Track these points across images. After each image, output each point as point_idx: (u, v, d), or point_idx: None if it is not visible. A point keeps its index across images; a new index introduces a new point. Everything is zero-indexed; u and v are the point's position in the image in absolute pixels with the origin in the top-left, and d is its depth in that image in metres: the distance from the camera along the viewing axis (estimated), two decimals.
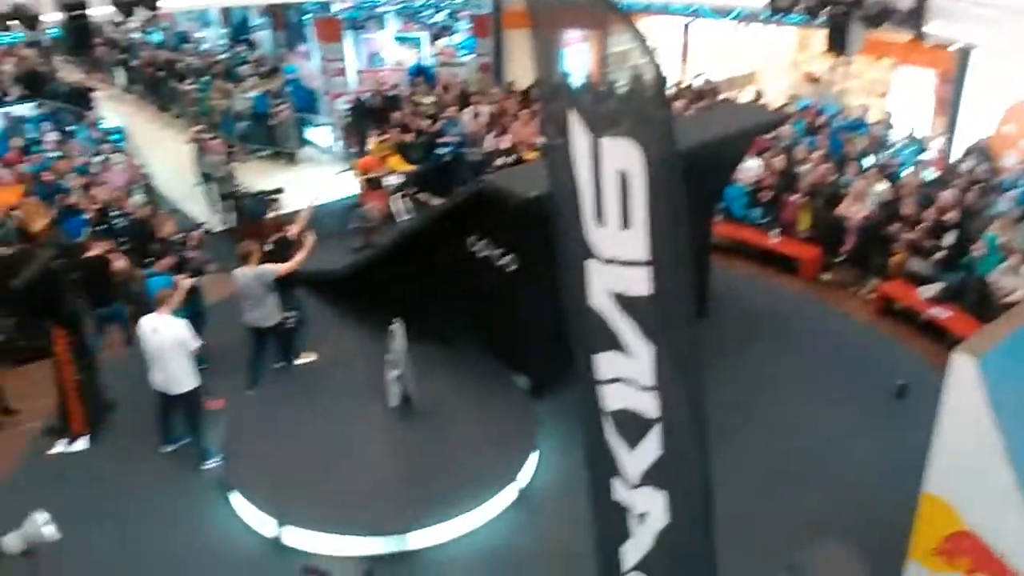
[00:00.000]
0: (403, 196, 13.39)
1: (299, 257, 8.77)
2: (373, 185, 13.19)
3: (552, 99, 4.07)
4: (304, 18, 16.91)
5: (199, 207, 13.64)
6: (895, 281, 10.49)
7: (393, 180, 13.23)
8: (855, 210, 11.00)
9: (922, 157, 12.33)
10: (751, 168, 11.98)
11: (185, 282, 8.66)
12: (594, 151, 3.69)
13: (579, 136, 3.75)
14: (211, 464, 8.01)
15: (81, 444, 8.34)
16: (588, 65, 14.52)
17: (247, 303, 8.67)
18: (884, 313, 10.47)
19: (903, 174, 11.63)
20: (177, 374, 7.71)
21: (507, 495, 7.55)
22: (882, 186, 11.20)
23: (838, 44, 10.68)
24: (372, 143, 14.01)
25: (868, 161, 12.16)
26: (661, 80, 3.55)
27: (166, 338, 7.61)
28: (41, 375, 8.95)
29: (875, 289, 10.73)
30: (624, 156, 3.58)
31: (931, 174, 11.75)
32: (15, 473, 8.12)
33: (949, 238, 10.14)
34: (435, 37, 17.17)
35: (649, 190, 3.57)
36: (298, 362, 9.34)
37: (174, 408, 8.02)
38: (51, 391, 8.45)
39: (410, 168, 13.69)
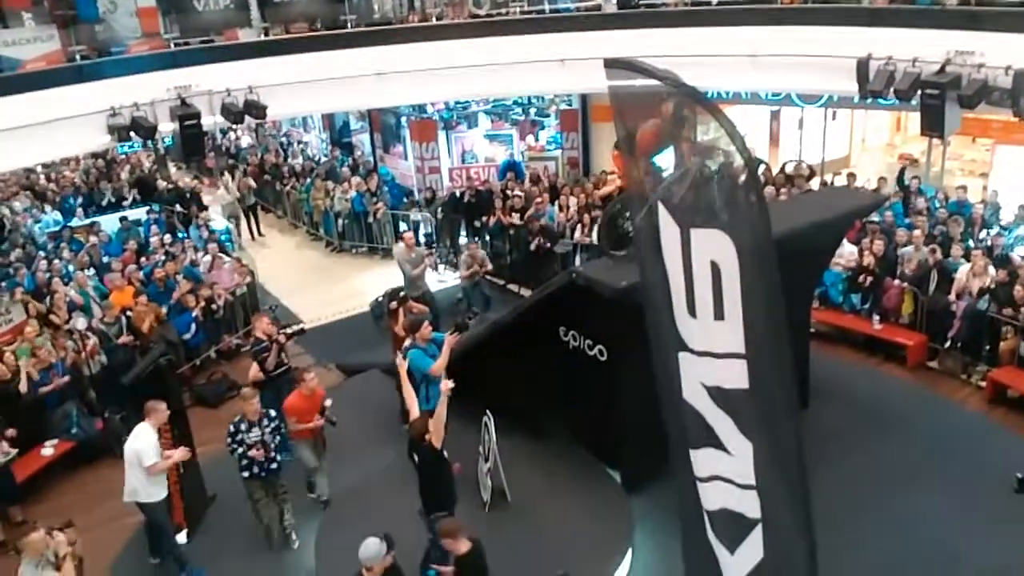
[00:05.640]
0: None
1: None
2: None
3: (639, 190, 4.07)
4: (400, 120, 17.65)
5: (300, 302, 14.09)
6: (1006, 367, 9.98)
7: None
8: (974, 286, 10.51)
9: None
10: (848, 253, 11.66)
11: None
12: (684, 242, 3.64)
13: (667, 227, 3.72)
14: None
15: (180, 538, 8.47)
16: (675, 156, 14.54)
17: None
18: (996, 401, 9.92)
19: (1012, 255, 11.11)
20: (132, 484, 7.63)
21: None
22: (990, 268, 10.71)
23: (933, 125, 10.41)
24: None
25: (972, 242, 11.67)
26: (752, 166, 3.50)
27: (130, 447, 7.59)
28: None
29: (985, 376, 10.19)
30: (715, 247, 3.52)
31: None
32: (115, 564, 8.33)
33: None
34: (524, 133, 17.62)
35: (742, 280, 3.49)
36: None
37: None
38: None
39: None
